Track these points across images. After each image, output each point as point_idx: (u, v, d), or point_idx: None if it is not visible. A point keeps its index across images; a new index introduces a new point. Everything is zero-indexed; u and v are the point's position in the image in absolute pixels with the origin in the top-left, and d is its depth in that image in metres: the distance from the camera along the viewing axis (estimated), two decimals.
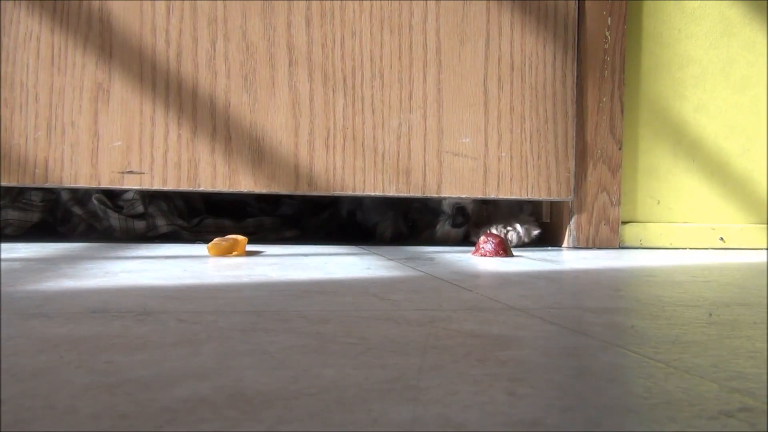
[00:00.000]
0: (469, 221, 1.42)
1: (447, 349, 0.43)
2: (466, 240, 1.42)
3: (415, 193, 1.31)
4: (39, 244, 1.15)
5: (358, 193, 1.29)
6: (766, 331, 0.52)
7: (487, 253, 1.12)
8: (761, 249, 1.45)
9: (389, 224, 1.46)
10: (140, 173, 1.23)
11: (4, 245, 1.12)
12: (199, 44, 1.23)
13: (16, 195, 1.32)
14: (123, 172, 1.22)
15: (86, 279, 0.74)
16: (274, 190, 1.26)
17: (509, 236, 1.34)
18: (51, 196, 1.36)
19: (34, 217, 1.33)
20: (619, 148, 1.38)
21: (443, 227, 1.42)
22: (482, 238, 1.15)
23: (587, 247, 1.37)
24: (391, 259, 1.04)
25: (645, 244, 1.43)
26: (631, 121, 1.43)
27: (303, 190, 1.27)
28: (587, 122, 1.37)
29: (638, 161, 1.44)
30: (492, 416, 0.30)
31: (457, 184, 1.32)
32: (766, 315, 0.59)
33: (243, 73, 1.25)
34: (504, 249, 1.12)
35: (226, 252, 1.05)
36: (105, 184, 1.23)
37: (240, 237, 1.08)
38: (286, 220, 1.53)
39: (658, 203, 1.45)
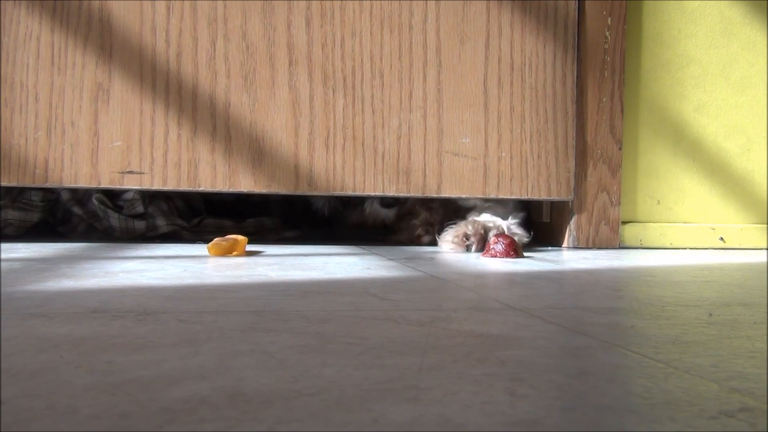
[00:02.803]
0: (399, 203, 1.40)
1: (447, 349, 0.43)
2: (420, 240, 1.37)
3: (415, 193, 1.31)
4: (39, 244, 1.15)
5: (358, 193, 1.29)
6: (766, 331, 0.52)
7: (498, 254, 1.12)
8: (761, 249, 1.45)
9: (326, 201, 1.48)
10: (140, 173, 1.23)
11: (4, 245, 1.12)
12: (199, 44, 1.23)
13: (16, 195, 1.32)
14: (123, 172, 1.22)
15: (86, 279, 0.74)
16: (274, 190, 1.26)
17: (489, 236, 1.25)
18: (51, 196, 1.36)
19: (34, 217, 1.33)
20: (619, 148, 1.38)
21: (371, 205, 1.42)
22: (492, 239, 1.14)
23: (587, 247, 1.37)
24: (392, 259, 1.04)
25: (645, 244, 1.43)
26: (631, 121, 1.43)
27: (303, 190, 1.27)
28: (587, 122, 1.37)
29: (638, 161, 1.44)
30: (492, 416, 0.30)
31: (457, 184, 1.32)
32: (766, 315, 0.59)
33: (243, 73, 1.25)
34: (515, 250, 1.12)
35: (226, 252, 1.05)
36: (105, 184, 1.23)
37: (240, 237, 1.08)
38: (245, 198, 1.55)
39: (658, 203, 1.45)
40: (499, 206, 1.36)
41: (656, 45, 1.44)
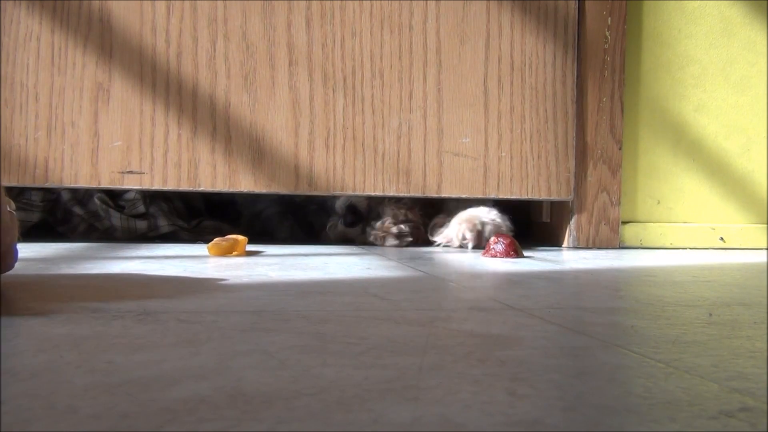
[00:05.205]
0: (363, 219, 1.37)
1: (447, 349, 0.43)
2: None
3: (415, 192, 1.31)
4: (39, 244, 1.15)
5: (358, 192, 1.29)
6: (766, 331, 0.52)
7: (498, 254, 1.12)
8: (761, 249, 1.45)
9: (282, 231, 1.44)
10: (140, 173, 1.23)
11: None
12: (199, 44, 1.23)
13: (16, 195, 1.32)
14: (123, 172, 1.22)
15: (86, 279, 0.74)
16: (274, 190, 1.26)
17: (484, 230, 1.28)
18: (51, 196, 1.36)
19: (34, 217, 1.33)
20: (619, 148, 1.38)
21: (335, 228, 1.37)
22: (492, 239, 1.15)
23: (587, 247, 1.37)
24: (392, 259, 1.04)
25: (645, 244, 1.43)
26: (631, 121, 1.43)
27: (303, 190, 1.27)
28: (587, 122, 1.37)
29: (638, 161, 1.44)
30: (492, 416, 0.30)
31: (457, 184, 1.32)
32: (766, 315, 0.59)
33: (243, 73, 1.25)
34: (515, 250, 1.12)
35: (226, 252, 1.05)
36: (105, 184, 1.23)
37: (240, 237, 1.08)
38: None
39: (658, 203, 1.45)
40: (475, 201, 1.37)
41: (656, 45, 1.44)
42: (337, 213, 1.37)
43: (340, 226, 1.37)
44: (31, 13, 1.20)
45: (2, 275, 0.63)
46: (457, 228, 1.27)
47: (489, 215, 1.29)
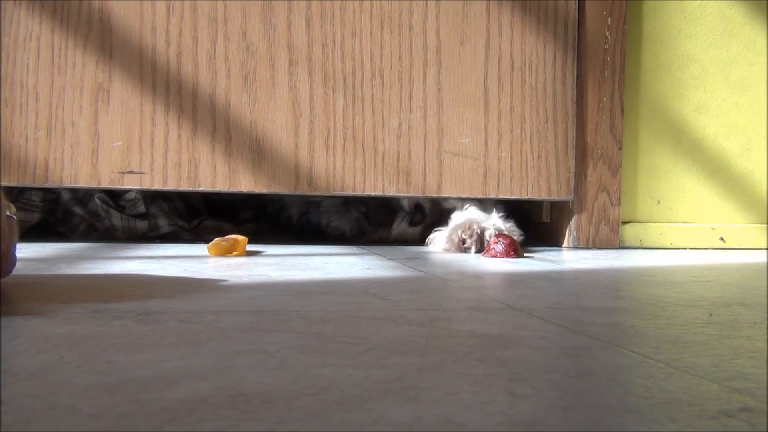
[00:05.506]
0: (425, 220, 1.37)
1: (447, 349, 0.43)
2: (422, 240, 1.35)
3: (415, 193, 1.31)
4: (39, 244, 1.15)
5: (359, 193, 1.29)
6: (766, 331, 0.52)
7: (498, 254, 1.12)
8: (761, 249, 1.45)
9: (346, 222, 1.43)
10: (140, 173, 1.23)
11: None
12: (199, 44, 1.23)
13: (17, 195, 1.32)
14: (123, 172, 1.22)
15: (86, 279, 0.74)
16: (274, 190, 1.26)
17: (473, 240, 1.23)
18: (51, 196, 1.36)
19: (34, 217, 1.33)
20: (619, 148, 1.38)
21: (400, 225, 1.37)
22: (493, 239, 1.14)
23: (587, 247, 1.37)
24: (392, 259, 1.04)
25: (645, 244, 1.43)
26: (631, 121, 1.43)
27: (303, 190, 1.27)
28: (587, 122, 1.37)
29: (638, 161, 1.44)
30: (492, 416, 0.30)
31: (457, 184, 1.32)
32: (766, 315, 0.59)
33: (243, 73, 1.25)
34: (515, 250, 1.12)
35: (226, 252, 1.05)
36: (105, 184, 1.23)
37: (240, 237, 1.08)
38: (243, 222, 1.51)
39: (658, 203, 1.45)
40: (478, 203, 1.34)
41: (656, 45, 1.44)
42: (405, 210, 1.37)
43: (403, 225, 1.37)
44: (31, 13, 1.20)
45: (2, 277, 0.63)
46: (454, 233, 1.24)
47: (488, 218, 1.25)
